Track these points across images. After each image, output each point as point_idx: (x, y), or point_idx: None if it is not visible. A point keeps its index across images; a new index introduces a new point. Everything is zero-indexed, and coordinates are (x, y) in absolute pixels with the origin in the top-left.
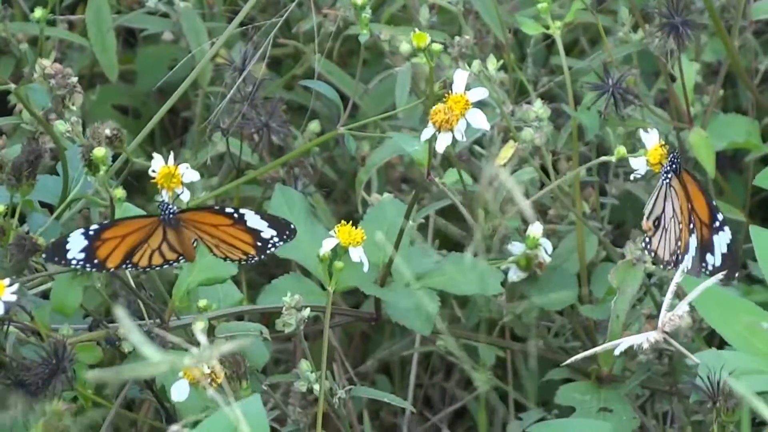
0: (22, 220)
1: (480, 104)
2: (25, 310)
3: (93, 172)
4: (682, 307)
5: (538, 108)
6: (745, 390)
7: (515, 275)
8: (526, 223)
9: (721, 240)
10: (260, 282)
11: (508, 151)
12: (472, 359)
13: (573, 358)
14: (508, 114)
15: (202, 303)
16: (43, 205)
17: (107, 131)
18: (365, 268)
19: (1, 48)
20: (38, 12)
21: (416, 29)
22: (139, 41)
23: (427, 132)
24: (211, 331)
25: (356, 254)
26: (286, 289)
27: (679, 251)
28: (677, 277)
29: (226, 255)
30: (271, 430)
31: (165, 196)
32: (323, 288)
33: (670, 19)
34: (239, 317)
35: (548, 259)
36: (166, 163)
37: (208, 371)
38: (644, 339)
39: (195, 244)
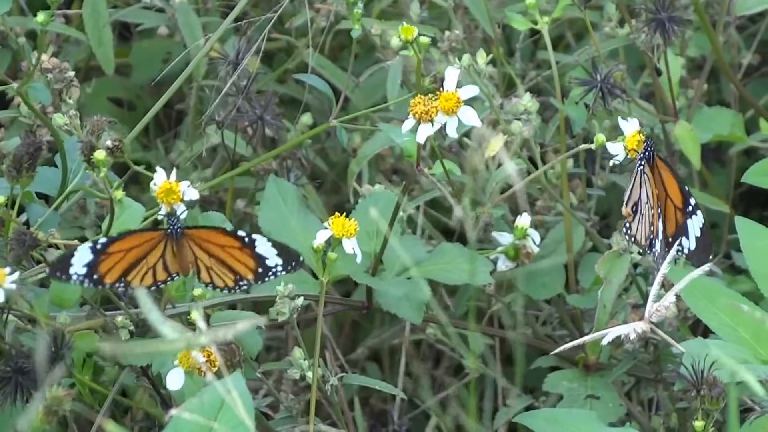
0: (19, 212)
1: (470, 99)
2: (24, 298)
3: (93, 168)
4: (669, 298)
5: (527, 101)
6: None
7: (504, 265)
8: (514, 213)
9: (695, 224)
10: None
11: (496, 143)
12: (461, 347)
13: (561, 347)
14: (498, 107)
15: (197, 292)
16: (39, 195)
17: (108, 142)
18: (358, 260)
19: None
20: (41, 16)
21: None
22: (135, 35)
23: (408, 123)
24: (205, 320)
25: (349, 246)
26: (280, 279)
27: (652, 236)
28: (663, 268)
29: (212, 280)
30: (263, 416)
31: (164, 210)
32: (315, 277)
33: (656, 15)
34: (232, 306)
35: (536, 250)
36: (168, 178)
37: (203, 360)
38: (631, 329)
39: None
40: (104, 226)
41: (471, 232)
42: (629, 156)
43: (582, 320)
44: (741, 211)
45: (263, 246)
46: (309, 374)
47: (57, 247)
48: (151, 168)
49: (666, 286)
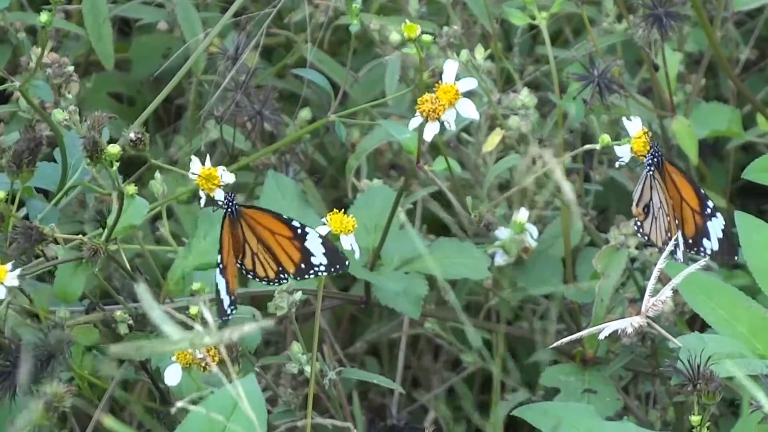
0: (19, 207)
1: (468, 93)
2: (24, 292)
3: (94, 164)
4: (666, 292)
5: (525, 96)
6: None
7: (502, 260)
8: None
9: (715, 226)
10: None
11: (495, 138)
12: (459, 341)
13: (559, 342)
14: (496, 102)
15: (196, 286)
16: (38, 190)
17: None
18: (356, 255)
19: None
20: (44, 16)
21: (406, 19)
22: (134, 30)
23: (415, 121)
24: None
25: (347, 242)
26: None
27: (669, 240)
28: (660, 263)
29: (254, 268)
30: None
31: (203, 196)
32: None
33: (653, 10)
34: None
35: (534, 244)
36: (203, 165)
37: (201, 355)
38: (628, 324)
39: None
40: (110, 221)
41: (469, 228)
42: (635, 157)
43: (579, 314)
44: (738, 206)
45: (313, 241)
46: (307, 368)
47: (57, 241)
48: (149, 164)
49: (663, 280)
